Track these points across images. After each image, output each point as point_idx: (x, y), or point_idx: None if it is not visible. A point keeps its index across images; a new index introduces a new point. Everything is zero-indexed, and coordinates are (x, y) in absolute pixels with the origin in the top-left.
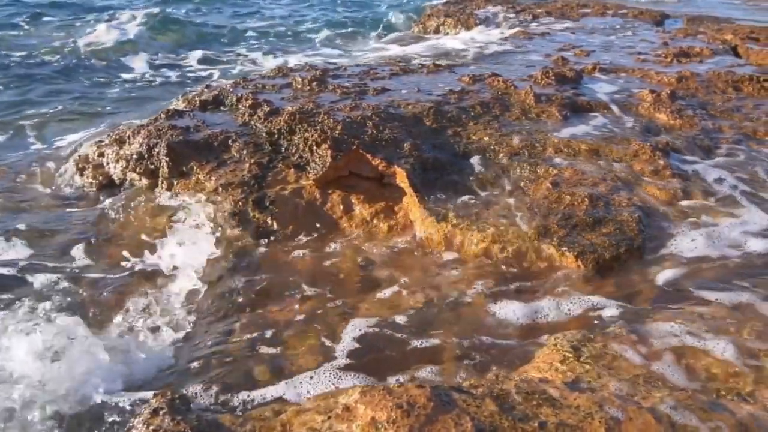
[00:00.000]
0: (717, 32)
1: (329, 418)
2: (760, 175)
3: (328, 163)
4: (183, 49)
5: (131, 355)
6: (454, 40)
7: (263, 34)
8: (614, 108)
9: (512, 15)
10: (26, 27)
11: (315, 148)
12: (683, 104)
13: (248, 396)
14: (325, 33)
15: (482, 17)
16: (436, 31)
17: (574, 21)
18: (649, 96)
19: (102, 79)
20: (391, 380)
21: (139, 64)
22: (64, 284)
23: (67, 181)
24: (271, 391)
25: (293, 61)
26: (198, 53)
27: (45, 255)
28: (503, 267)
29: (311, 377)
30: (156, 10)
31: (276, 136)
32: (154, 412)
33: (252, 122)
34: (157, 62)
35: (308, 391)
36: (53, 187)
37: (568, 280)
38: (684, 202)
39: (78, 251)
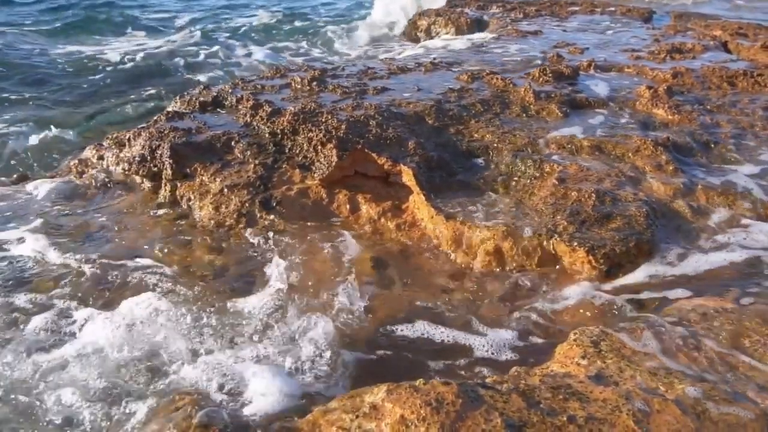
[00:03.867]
0: (706, 28)
1: (357, 417)
2: (763, 168)
3: (333, 163)
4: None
5: None
6: (448, 41)
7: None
8: (612, 104)
9: (504, 13)
10: None
11: (320, 148)
12: (680, 100)
13: (269, 396)
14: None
15: (474, 16)
16: (427, 31)
17: (565, 19)
18: (646, 92)
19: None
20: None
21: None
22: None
23: (66, 184)
24: (294, 391)
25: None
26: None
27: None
28: (514, 263)
29: (336, 376)
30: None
31: (279, 136)
32: (179, 413)
33: (254, 123)
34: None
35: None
36: (52, 190)
37: (579, 276)
38: (688, 197)
39: (79, 256)
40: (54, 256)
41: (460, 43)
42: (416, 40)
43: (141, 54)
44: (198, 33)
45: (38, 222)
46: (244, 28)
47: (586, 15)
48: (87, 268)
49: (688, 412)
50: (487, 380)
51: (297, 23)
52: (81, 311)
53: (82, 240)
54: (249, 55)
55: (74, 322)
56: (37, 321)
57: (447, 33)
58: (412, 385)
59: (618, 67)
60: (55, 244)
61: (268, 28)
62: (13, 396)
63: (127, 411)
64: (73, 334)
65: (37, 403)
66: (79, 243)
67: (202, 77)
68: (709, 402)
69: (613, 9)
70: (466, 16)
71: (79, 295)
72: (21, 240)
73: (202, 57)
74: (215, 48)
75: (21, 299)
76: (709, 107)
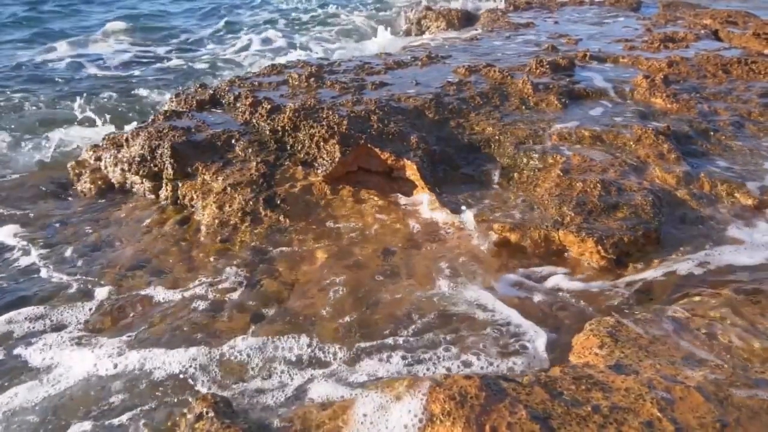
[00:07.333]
0: (695, 17)
1: None
2: (762, 154)
3: (337, 159)
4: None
5: None
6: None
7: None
8: (611, 94)
9: (495, 6)
10: None
11: (322, 144)
12: (677, 88)
13: (288, 393)
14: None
15: (464, 10)
16: (418, 24)
17: (555, 10)
18: (643, 81)
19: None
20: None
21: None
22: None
23: (65, 187)
24: (313, 387)
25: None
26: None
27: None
28: (522, 255)
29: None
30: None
31: (280, 133)
32: (199, 417)
33: (254, 120)
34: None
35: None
36: (52, 193)
37: (588, 266)
38: (692, 185)
39: (79, 258)
40: (53, 258)
41: (453, 36)
42: (408, 35)
43: (135, 53)
44: (194, 32)
45: (36, 223)
46: (239, 26)
47: (576, 6)
48: (87, 271)
49: (711, 398)
50: (507, 372)
51: (285, 24)
52: (82, 314)
53: (82, 241)
54: (245, 51)
55: (75, 323)
56: (35, 329)
57: (438, 27)
58: (433, 378)
59: (613, 58)
60: (55, 246)
61: (262, 23)
62: (19, 403)
63: (142, 418)
64: (76, 343)
65: (42, 407)
66: (79, 244)
67: (197, 75)
68: (731, 388)
69: (601, 0)
70: (457, 10)
71: (80, 297)
72: (19, 242)
73: (196, 55)
74: (211, 46)
75: (18, 305)
76: (706, 95)
